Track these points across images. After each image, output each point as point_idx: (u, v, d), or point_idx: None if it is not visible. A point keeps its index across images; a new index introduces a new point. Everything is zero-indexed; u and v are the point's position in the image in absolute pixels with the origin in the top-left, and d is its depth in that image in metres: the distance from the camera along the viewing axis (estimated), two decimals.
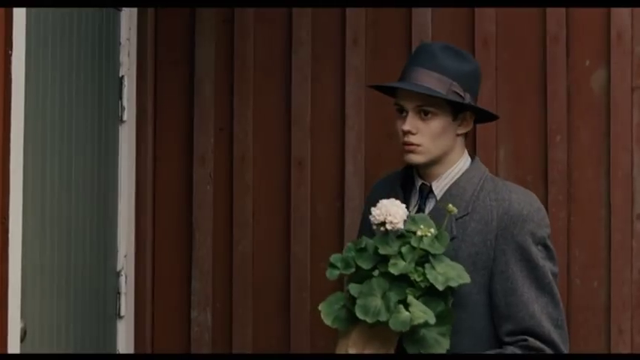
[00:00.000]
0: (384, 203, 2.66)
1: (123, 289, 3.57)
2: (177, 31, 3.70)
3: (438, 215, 2.73)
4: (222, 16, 3.66)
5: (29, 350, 2.90)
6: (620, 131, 3.33)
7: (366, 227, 2.83)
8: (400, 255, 2.61)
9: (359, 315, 2.57)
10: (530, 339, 2.69)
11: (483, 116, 2.92)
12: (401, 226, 2.63)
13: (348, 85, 3.53)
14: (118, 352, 3.55)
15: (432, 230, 2.62)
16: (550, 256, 2.76)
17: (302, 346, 3.52)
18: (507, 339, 2.71)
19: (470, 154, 2.88)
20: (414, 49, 3.47)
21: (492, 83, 3.42)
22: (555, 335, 2.70)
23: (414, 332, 2.59)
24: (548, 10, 3.40)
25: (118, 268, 3.57)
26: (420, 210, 2.81)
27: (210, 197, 3.64)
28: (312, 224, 3.55)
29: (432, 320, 2.56)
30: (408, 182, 2.90)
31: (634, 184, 3.32)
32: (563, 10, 3.39)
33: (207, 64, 3.66)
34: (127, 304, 3.58)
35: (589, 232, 3.35)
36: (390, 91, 2.90)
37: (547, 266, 2.74)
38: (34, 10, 2.91)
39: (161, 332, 3.67)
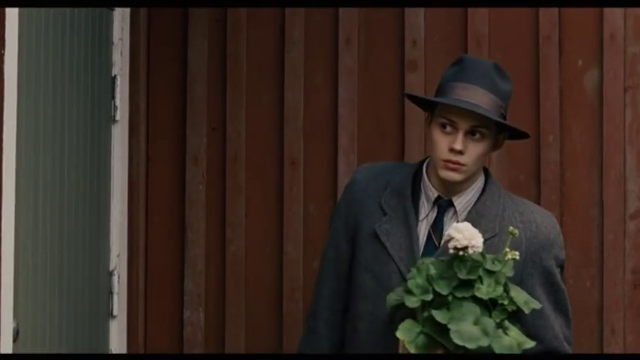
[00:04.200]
0: (462, 227, 2.54)
1: (115, 289, 3.56)
2: (169, 31, 3.69)
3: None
4: (215, 16, 3.66)
5: (22, 350, 2.90)
6: (612, 131, 3.34)
7: (348, 227, 2.83)
8: (480, 279, 2.54)
9: (457, 341, 2.50)
10: None
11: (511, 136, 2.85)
12: (481, 250, 2.54)
13: (340, 85, 3.53)
14: (110, 352, 3.55)
15: (517, 253, 2.55)
16: (562, 275, 2.82)
17: (294, 346, 3.51)
18: None
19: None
20: (406, 49, 3.49)
21: None
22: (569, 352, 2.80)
23: None
24: (541, 10, 3.40)
25: (111, 267, 3.56)
26: (436, 223, 2.75)
27: (203, 197, 3.64)
28: (304, 224, 3.55)
29: (531, 344, 2.53)
30: (414, 190, 2.81)
31: (626, 184, 3.33)
32: (555, 10, 3.39)
33: (200, 63, 3.65)
34: (119, 304, 3.58)
35: (581, 231, 3.35)
36: (428, 104, 2.77)
37: (565, 288, 2.80)
38: (26, 9, 2.90)
39: (154, 332, 3.67)
